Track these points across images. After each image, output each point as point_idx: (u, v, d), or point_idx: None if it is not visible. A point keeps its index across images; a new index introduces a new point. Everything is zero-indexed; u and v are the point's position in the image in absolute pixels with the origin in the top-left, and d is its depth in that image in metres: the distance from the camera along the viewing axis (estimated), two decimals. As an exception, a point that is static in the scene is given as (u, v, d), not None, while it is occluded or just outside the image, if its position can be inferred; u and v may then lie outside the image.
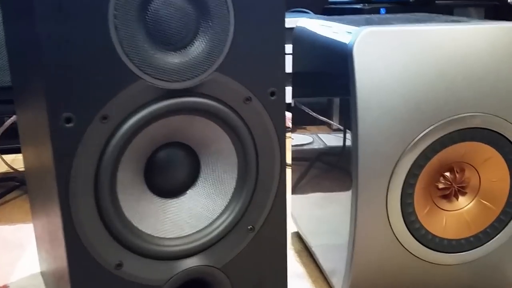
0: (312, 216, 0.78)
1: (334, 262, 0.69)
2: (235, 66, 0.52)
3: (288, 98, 1.04)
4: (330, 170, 0.69)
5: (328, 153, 0.69)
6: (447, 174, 0.63)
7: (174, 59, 0.49)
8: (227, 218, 0.56)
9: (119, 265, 0.51)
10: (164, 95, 0.50)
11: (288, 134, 1.38)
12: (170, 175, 0.54)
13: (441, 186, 0.63)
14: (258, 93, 0.54)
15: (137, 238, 0.51)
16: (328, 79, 0.68)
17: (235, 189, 0.56)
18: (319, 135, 0.73)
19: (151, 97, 0.49)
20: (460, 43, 0.59)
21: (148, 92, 0.49)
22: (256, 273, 0.59)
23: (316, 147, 0.73)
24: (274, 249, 0.59)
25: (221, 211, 0.56)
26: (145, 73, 0.48)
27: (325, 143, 0.70)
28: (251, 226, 0.57)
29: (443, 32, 0.59)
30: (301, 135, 0.81)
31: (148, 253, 0.52)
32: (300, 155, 0.81)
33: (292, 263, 0.83)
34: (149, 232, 0.53)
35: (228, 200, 0.56)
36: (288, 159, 0.91)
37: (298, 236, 0.92)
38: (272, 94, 0.55)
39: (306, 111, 0.79)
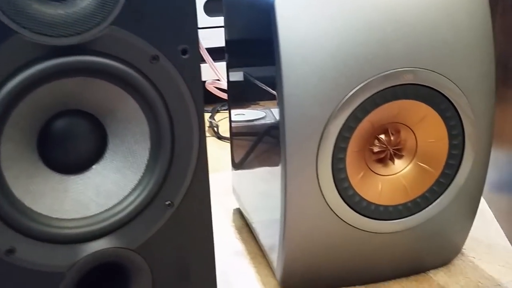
0: (252, 192, 0.74)
1: (272, 238, 0.65)
2: (137, 19, 0.46)
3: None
4: (268, 144, 0.64)
5: (266, 126, 0.64)
6: (382, 136, 0.58)
7: (57, 10, 0.43)
8: (140, 193, 0.51)
9: (11, 251, 0.46)
10: (50, 54, 0.43)
11: (232, 111, 1.33)
12: (69, 148, 0.49)
13: (376, 149, 0.58)
14: (167, 51, 0.48)
15: (30, 220, 0.46)
16: (255, 40, 0.62)
17: (148, 161, 0.51)
18: (259, 109, 0.68)
19: (33, 56, 0.43)
20: (390, -8, 0.54)
21: (28, 50, 0.43)
22: (179, 254, 0.54)
23: (258, 122, 0.68)
24: (197, 226, 0.55)
25: (133, 186, 0.51)
26: (22, 26, 0.42)
27: (265, 116, 0.64)
28: (169, 202, 0.52)
29: (372, -19, 0.54)
30: (243, 110, 0.76)
31: (45, 236, 0.47)
32: (243, 130, 0.76)
33: (232, 240, 0.79)
34: (45, 213, 0.47)
35: (142, 174, 0.51)
36: (227, 133, 0.86)
37: (239, 212, 0.88)
38: (184, 52, 0.49)
39: (252, 81, 0.73)
